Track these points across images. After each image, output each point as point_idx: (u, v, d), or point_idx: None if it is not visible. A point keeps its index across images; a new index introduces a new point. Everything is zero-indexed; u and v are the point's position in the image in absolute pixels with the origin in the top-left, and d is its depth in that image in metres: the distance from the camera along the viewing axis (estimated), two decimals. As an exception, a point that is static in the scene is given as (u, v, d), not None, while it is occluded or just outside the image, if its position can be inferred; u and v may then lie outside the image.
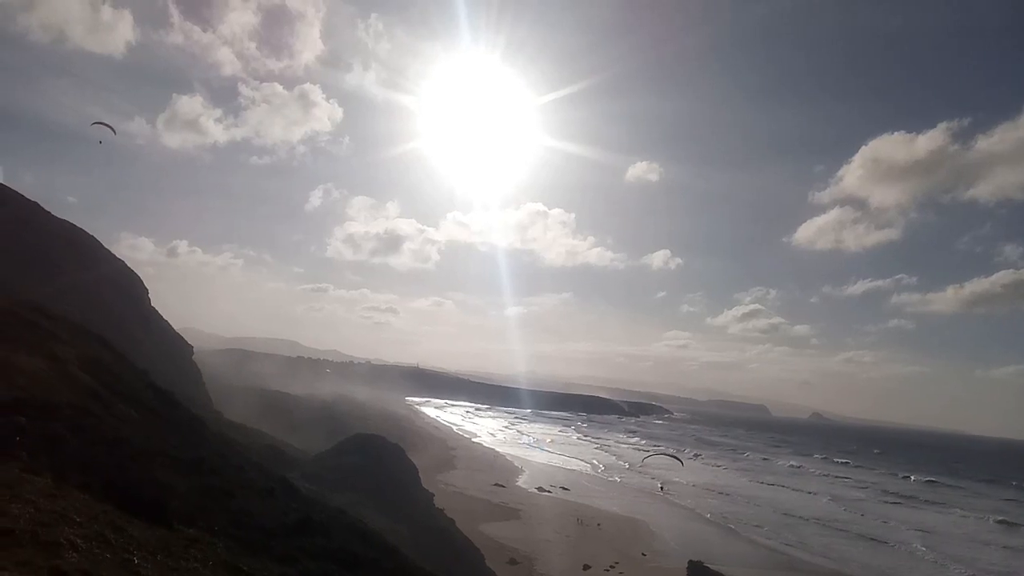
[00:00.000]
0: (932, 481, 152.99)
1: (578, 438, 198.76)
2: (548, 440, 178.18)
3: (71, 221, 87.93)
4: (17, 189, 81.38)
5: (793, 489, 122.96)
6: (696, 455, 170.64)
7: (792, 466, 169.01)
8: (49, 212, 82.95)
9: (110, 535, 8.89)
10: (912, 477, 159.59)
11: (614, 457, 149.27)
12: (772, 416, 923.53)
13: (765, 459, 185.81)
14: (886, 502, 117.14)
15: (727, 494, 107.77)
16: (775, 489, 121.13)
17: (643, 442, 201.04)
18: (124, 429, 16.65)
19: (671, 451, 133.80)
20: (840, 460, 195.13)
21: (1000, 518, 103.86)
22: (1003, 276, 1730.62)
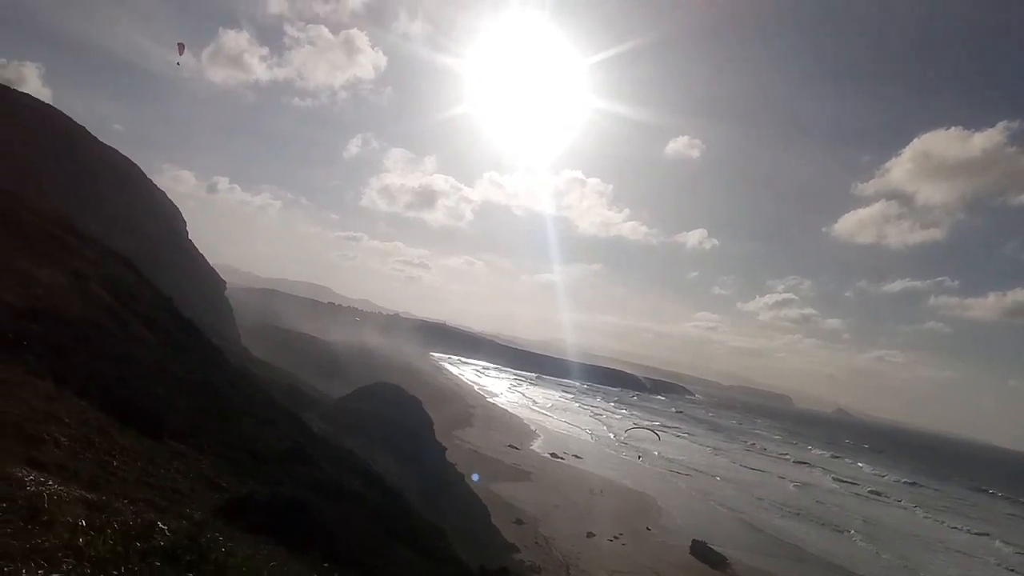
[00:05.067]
0: (912, 483, 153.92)
1: (578, 406, 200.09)
2: (549, 405, 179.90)
3: (116, 148, 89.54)
4: (66, 112, 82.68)
5: (768, 473, 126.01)
6: (690, 434, 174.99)
7: (781, 454, 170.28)
8: (95, 137, 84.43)
9: (96, 438, 9.25)
10: (894, 477, 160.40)
11: (605, 427, 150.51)
12: (794, 407, 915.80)
13: (753, 444, 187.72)
14: (855, 495, 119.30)
15: (705, 472, 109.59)
16: (752, 472, 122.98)
17: (635, 414, 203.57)
18: (136, 348, 17.15)
19: (652, 425, 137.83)
20: (833, 454, 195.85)
21: (956, 524, 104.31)
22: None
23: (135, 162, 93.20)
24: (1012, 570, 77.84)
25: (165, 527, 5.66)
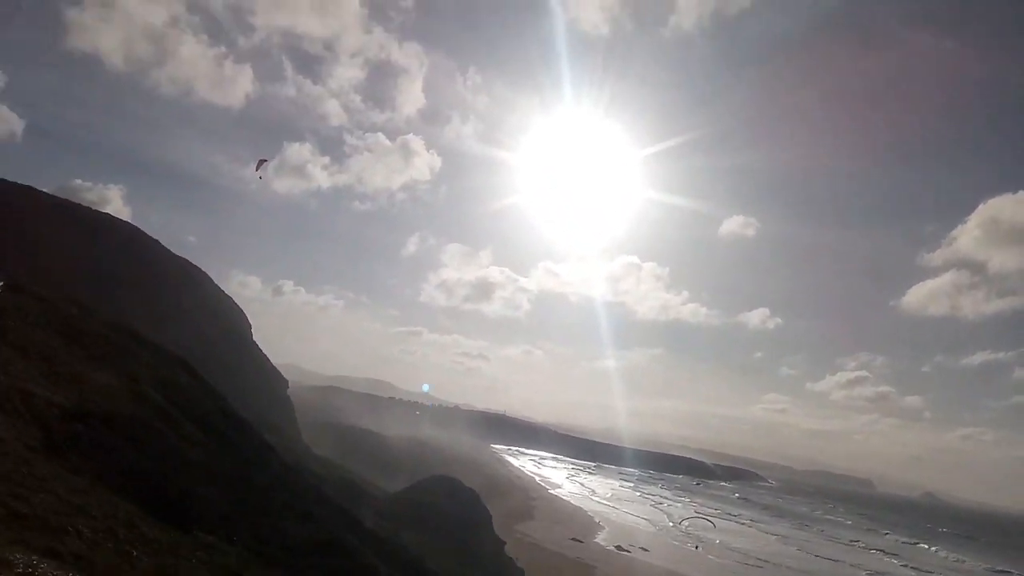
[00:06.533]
0: (1000, 571, 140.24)
1: (639, 495, 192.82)
2: (609, 495, 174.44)
3: (188, 258, 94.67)
4: (143, 228, 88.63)
5: (840, 561, 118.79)
6: (755, 521, 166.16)
7: (853, 540, 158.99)
8: (168, 249, 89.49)
9: (121, 530, 9.58)
10: (977, 563, 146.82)
11: (665, 516, 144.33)
12: (876, 491, 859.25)
13: (823, 530, 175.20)
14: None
15: (772, 562, 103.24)
16: (822, 561, 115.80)
17: (697, 502, 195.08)
18: (181, 445, 17.75)
19: (710, 514, 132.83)
20: (910, 540, 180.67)
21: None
22: None
23: (205, 271, 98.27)
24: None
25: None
